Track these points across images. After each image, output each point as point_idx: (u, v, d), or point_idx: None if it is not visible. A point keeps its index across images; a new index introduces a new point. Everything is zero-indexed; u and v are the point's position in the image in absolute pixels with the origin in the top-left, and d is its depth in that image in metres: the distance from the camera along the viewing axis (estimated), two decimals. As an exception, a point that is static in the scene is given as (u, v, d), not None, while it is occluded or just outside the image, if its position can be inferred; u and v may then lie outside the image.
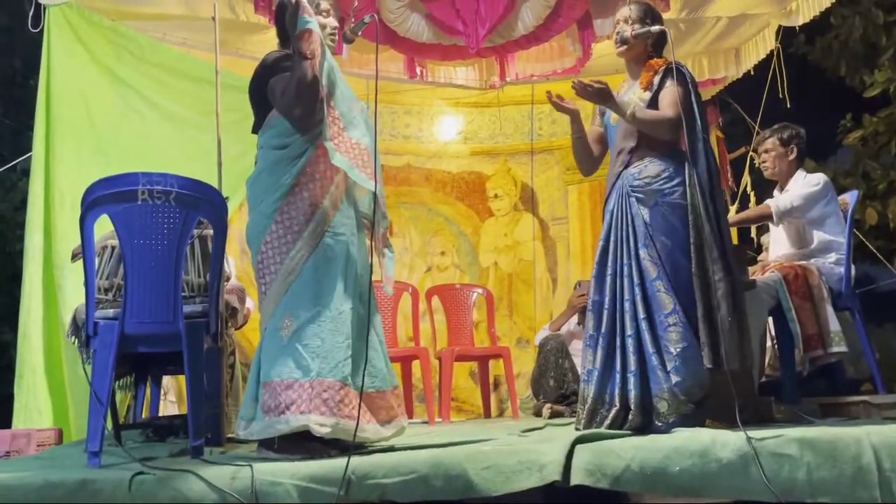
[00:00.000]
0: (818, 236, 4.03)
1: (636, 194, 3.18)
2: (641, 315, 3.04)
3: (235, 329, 4.26)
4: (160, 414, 4.29)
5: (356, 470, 2.36)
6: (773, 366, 4.04)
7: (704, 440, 2.50)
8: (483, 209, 6.84)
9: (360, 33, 3.07)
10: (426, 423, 4.96)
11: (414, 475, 2.39)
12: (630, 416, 2.97)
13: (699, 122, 3.18)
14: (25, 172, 5.52)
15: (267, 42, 4.66)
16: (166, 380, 4.56)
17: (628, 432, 2.86)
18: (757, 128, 5.73)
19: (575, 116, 3.42)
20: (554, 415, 4.70)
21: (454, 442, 2.83)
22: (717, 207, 3.13)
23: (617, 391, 3.02)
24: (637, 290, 3.07)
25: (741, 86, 6.27)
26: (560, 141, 6.60)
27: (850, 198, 4.25)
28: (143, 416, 4.19)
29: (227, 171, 3.79)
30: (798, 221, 4.07)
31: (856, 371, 4.19)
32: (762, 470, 2.38)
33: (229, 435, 3.46)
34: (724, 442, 2.46)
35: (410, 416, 4.80)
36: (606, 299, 3.15)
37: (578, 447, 2.51)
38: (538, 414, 4.92)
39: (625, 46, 3.34)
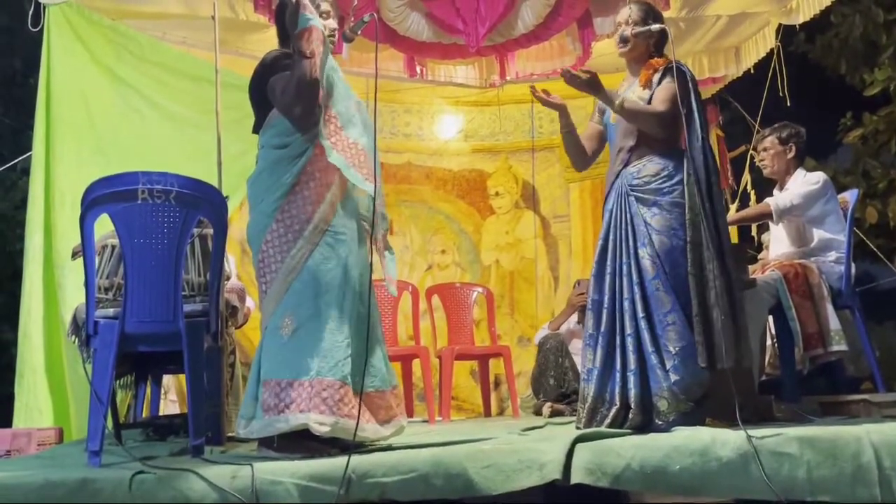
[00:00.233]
0: (818, 235, 4.03)
1: (635, 193, 3.19)
2: (641, 314, 3.04)
3: (235, 328, 4.26)
4: (160, 413, 4.29)
5: (356, 469, 2.36)
6: (774, 364, 4.04)
7: (704, 439, 2.50)
8: (484, 207, 6.83)
9: (359, 32, 3.06)
10: (426, 421, 4.96)
11: (414, 474, 2.39)
12: (630, 415, 2.97)
13: (699, 120, 3.18)
14: (25, 171, 5.52)
15: (267, 41, 4.66)
16: (167, 379, 4.56)
17: (628, 431, 2.86)
18: (757, 126, 5.73)
19: (562, 111, 3.43)
20: (554, 413, 4.70)
21: (454, 441, 2.83)
22: (716, 206, 3.13)
23: (617, 390, 3.02)
24: (636, 288, 3.07)
25: (741, 84, 6.27)
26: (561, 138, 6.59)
27: (850, 196, 4.25)
28: (144, 415, 4.19)
29: (227, 170, 3.79)
30: (798, 220, 4.07)
31: (856, 369, 4.19)
32: (762, 468, 2.38)
33: (230, 434, 3.46)
34: (725, 440, 2.46)
35: (411, 415, 4.81)
36: (606, 298, 3.15)
37: (579, 446, 2.51)
38: (538, 413, 4.92)
39: (626, 46, 3.34)
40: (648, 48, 3.34)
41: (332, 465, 2.39)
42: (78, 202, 2.85)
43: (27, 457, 3.50)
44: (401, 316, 5.62)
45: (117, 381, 3.60)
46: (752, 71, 5.95)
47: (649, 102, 3.23)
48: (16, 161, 6.05)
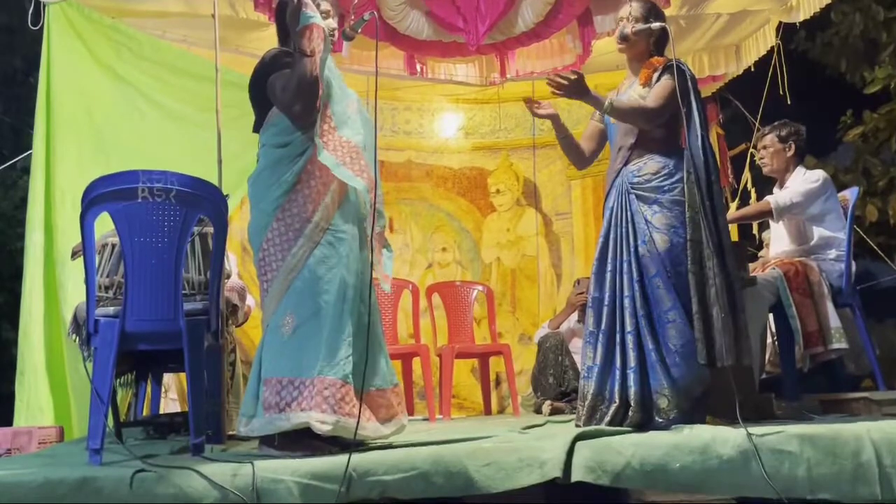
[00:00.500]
0: (818, 233, 4.03)
1: (636, 191, 3.19)
2: (641, 312, 3.04)
3: (236, 326, 4.26)
4: (161, 411, 4.29)
5: (357, 467, 2.37)
6: (774, 362, 4.04)
7: (705, 437, 2.50)
8: (485, 205, 6.82)
9: (359, 30, 3.06)
10: (427, 420, 4.97)
11: (415, 472, 2.39)
12: (630, 413, 2.97)
13: (699, 119, 3.18)
14: (26, 170, 5.53)
15: (266, 39, 4.66)
16: (167, 377, 4.56)
17: (629, 429, 2.87)
18: (757, 124, 5.72)
19: (555, 120, 3.45)
20: (554, 412, 4.70)
21: (455, 439, 2.82)
22: (716, 204, 3.13)
23: (617, 388, 3.02)
24: (636, 286, 3.07)
25: (741, 82, 6.26)
26: (562, 136, 6.58)
27: (850, 194, 4.25)
28: (144, 413, 4.20)
29: (227, 168, 3.79)
30: (798, 218, 4.07)
31: (856, 367, 4.19)
32: (762, 466, 2.39)
33: (230, 432, 3.46)
34: (725, 438, 2.47)
35: (411, 413, 4.81)
36: (606, 296, 3.15)
37: (579, 444, 2.52)
38: (538, 411, 4.93)
39: (625, 43, 3.34)
40: (649, 46, 3.34)
41: (333, 463, 2.40)
42: (78, 201, 2.85)
43: (28, 455, 3.51)
44: (401, 314, 5.62)
45: (118, 380, 3.60)
46: (752, 69, 5.94)
47: (649, 101, 3.24)
48: (16, 160, 6.06)
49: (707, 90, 6.09)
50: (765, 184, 5.01)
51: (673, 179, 3.16)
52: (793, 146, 4.20)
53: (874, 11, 7.73)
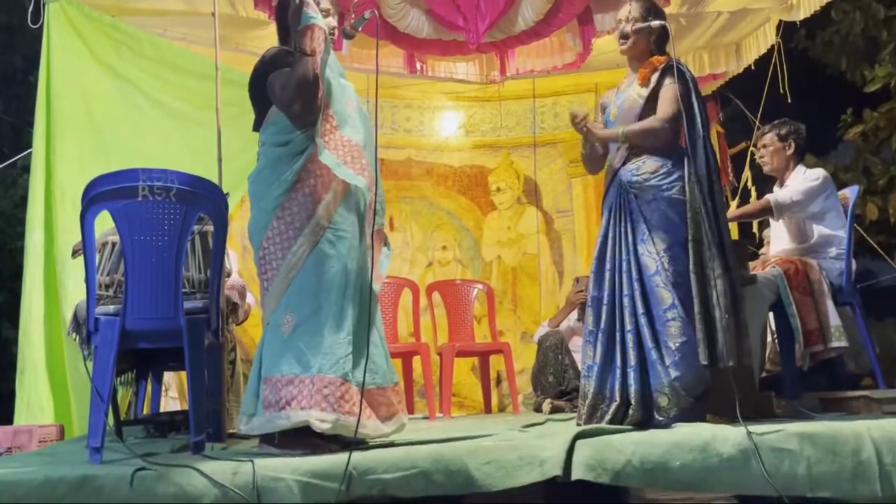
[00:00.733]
0: (818, 231, 4.03)
1: (634, 190, 3.19)
2: (640, 310, 3.04)
3: (236, 325, 4.26)
4: (161, 410, 4.29)
5: (357, 465, 2.37)
6: (774, 361, 4.05)
7: (705, 435, 2.50)
8: (485, 203, 6.82)
9: (360, 29, 3.06)
10: (427, 418, 4.97)
11: (415, 470, 2.40)
12: (630, 412, 2.97)
13: (699, 118, 3.18)
14: (26, 169, 5.52)
15: (267, 38, 4.66)
16: (167, 376, 4.56)
17: (629, 427, 2.86)
18: (757, 123, 5.72)
19: (592, 139, 3.40)
20: (554, 410, 4.70)
21: (455, 437, 2.83)
22: (716, 203, 3.13)
23: (617, 386, 3.02)
24: (636, 285, 3.07)
25: (742, 81, 6.27)
26: (563, 134, 6.56)
27: (850, 193, 4.25)
28: (145, 412, 4.20)
29: (227, 166, 3.79)
30: (798, 216, 4.07)
31: (856, 366, 4.19)
32: (763, 465, 2.39)
33: (230, 430, 3.46)
34: (725, 437, 2.47)
35: (411, 412, 4.81)
36: (605, 295, 3.15)
37: (579, 442, 2.52)
38: (538, 409, 4.93)
39: (626, 42, 3.34)
40: (649, 45, 3.34)
41: (334, 461, 2.40)
42: (78, 199, 2.85)
43: (28, 454, 3.51)
44: (401, 312, 5.62)
45: (118, 378, 3.60)
46: (752, 67, 5.94)
47: (648, 100, 3.24)
48: (16, 158, 6.07)
49: (707, 88, 6.09)
50: (765, 182, 5.01)
51: (672, 178, 3.16)
52: (793, 145, 4.21)
53: (874, 10, 7.73)
